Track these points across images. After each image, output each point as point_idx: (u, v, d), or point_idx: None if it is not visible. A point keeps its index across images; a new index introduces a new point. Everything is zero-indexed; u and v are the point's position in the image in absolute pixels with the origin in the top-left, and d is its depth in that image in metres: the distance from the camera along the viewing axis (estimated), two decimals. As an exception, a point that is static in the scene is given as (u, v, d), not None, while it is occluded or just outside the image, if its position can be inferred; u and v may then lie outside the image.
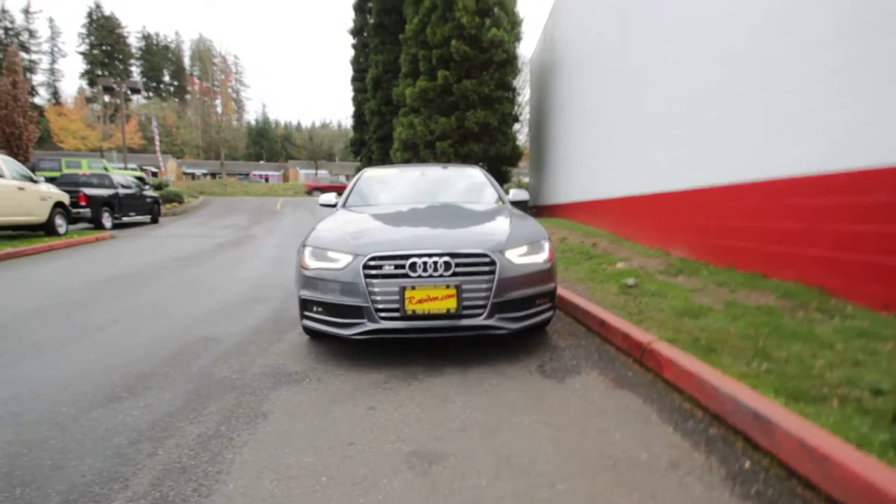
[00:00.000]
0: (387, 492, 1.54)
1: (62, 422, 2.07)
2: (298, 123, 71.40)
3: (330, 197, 4.26)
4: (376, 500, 1.50)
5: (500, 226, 3.06)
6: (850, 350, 2.56)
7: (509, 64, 13.76)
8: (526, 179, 20.25)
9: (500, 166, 14.61)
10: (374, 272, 2.62)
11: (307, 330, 3.10)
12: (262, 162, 59.91)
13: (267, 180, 47.14)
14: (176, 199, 17.84)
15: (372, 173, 4.55)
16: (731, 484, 1.56)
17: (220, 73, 45.26)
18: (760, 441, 1.75)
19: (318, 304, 2.76)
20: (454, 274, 2.61)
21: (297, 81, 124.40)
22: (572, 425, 1.98)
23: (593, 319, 3.38)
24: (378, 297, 2.59)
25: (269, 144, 64.85)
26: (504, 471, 1.64)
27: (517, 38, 13.96)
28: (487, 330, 2.66)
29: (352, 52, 21.04)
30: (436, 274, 2.59)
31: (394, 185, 4.38)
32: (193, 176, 44.05)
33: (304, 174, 48.73)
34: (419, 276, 2.59)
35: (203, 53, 46.62)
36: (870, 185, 3.16)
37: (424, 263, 2.60)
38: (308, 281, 2.82)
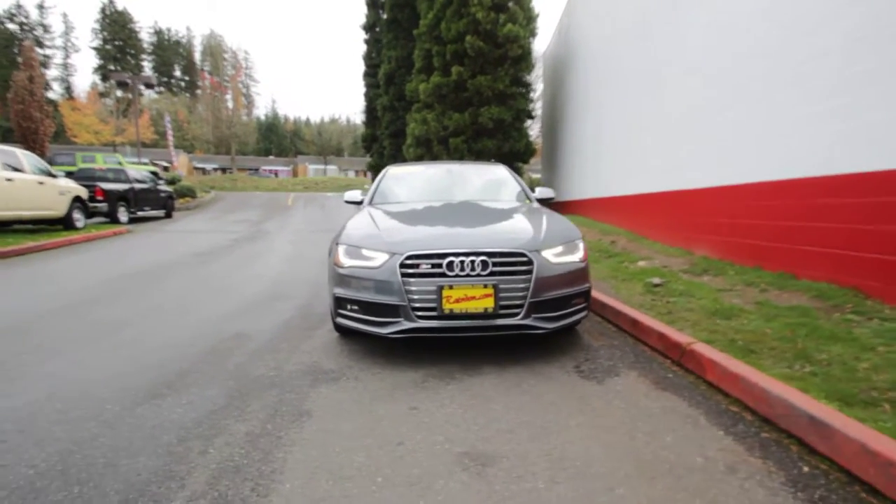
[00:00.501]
0: (445, 493, 1.53)
1: (109, 419, 2.08)
2: (307, 119, 71.67)
3: (356, 194, 4.26)
4: (436, 502, 1.49)
5: (535, 225, 3.03)
6: (892, 353, 2.52)
7: (524, 60, 13.65)
8: (536, 176, 20.13)
9: (513, 162, 14.53)
10: (410, 271, 2.61)
11: (340, 328, 3.10)
12: (271, 157, 60.18)
13: (276, 175, 47.35)
14: (189, 193, 17.96)
15: (396, 170, 4.53)
16: (792, 489, 1.53)
17: (231, 69, 45.39)
18: (817, 445, 1.72)
19: (354, 302, 2.75)
20: (491, 273, 2.59)
21: (306, 77, 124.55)
22: (620, 428, 1.96)
23: (624, 319, 3.35)
24: (415, 296, 2.58)
25: (279, 140, 65.09)
26: (559, 473, 1.63)
27: (532, 34, 13.82)
28: (524, 329, 2.64)
29: (364, 48, 20.98)
30: (473, 273, 2.58)
31: (419, 182, 4.35)
32: (204, 171, 44.32)
33: (313, 169, 48.88)
34: (456, 276, 2.57)
35: (214, 49, 46.80)
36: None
37: (462, 262, 2.58)
38: (342, 279, 2.81)
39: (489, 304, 2.57)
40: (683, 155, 6.36)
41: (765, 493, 1.51)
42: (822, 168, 3.90)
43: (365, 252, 2.78)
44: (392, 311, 2.63)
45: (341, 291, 2.80)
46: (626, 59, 8.43)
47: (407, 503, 1.49)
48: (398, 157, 17.75)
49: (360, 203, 4.17)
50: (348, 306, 2.79)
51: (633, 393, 2.32)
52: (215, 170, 46.84)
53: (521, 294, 2.61)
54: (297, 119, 70.58)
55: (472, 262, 2.58)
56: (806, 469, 1.64)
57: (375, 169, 20.87)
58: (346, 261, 2.83)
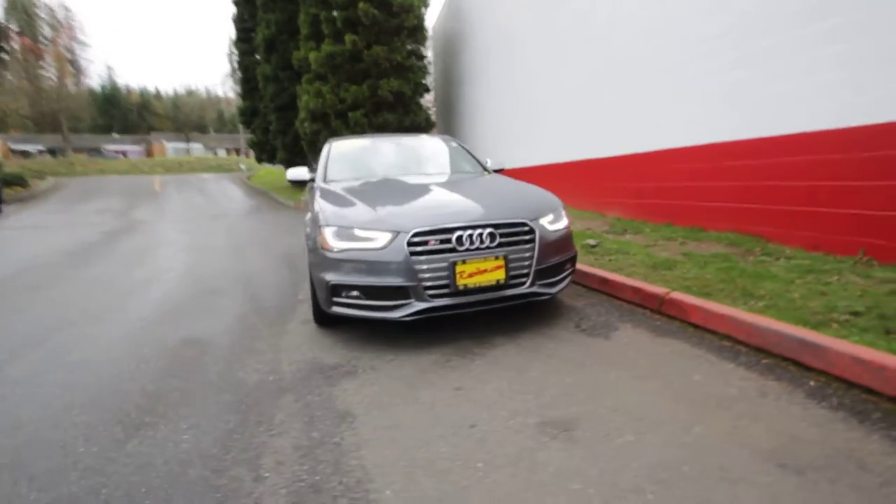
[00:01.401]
0: (554, 463, 1.52)
1: (99, 467, 1.64)
2: (157, 90, 61.83)
3: (301, 171, 3.85)
4: (549, 473, 1.48)
5: (521, 195, 3.07)
6: (810, 284, 3.09)
7: (419, 30, 13.42)
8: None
9: (414, 137, 14.38)
10: (419, 249, 2.46)
11: (323, 318, 2.85)
12: (114, 135, 50.94)
13: (125, 156, 40.48)
14: (17, 182, 14.50)
15: (344, 144, 4.19)
16: (814, 401, 1.83)
17: (49, 29, 36.77)
18: (812, 363, 2.08)
19: (353, 287, 2.52)
20: (500, 245, 2.57)
21: (150, 42, 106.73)
22: (652, 375, 2.13)
23: (593, 279, 3.60)
24: (426, 275, 2.45)
25: (122, 114, 55.26)
26: (638, 425, 1.72)
27: (425, 4, 13.61)
28: (531, 297, 2.69)
29: (234, 9, 18.51)
30: (483, 246, 2.53)
31: (374, 156, 4.08)
32: (25, 153, 35.91)
33: (172, 148, 42.70)
34: (467, 250, 2.50)
35: (24, 2, 37.39)
36: (803, 148, 3.78)
37: (470, 236, 2.51)
38: (335, 263, 2.55)
39: (500, 275, 2.55)
40: (590, 127, 6.90)
41: (799, 408, 1.79)
42: (724, 135, 4.56)
43: (360, 233, 2.54)
44: (401, 292, 2.47)
45: (336, 277, 2.54)
46: (529, 34, 8.76)
47: (524, 481, 1.45)
48: (288, 133, 16.39)
49: (306, 182, 3.79)
50: (345, 293, 2.55)
51: (639, 343, 2.52)
52: (41, 152, 38.31)
53: (527, 263, 2.64)
54: (143, 90, 60.44)
55: (481, 234, 2.53)
56: (812, 384, 1.97)
57: (260, 147, 18.98)
58: (337, 243, 2.56)
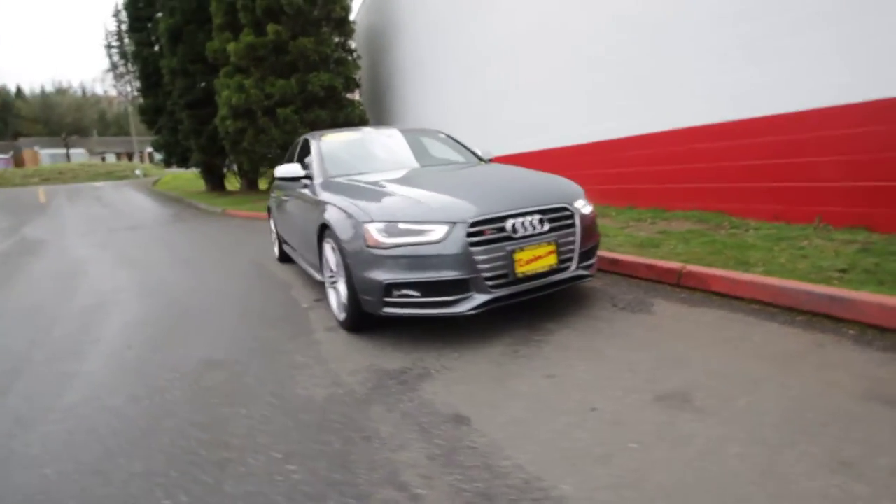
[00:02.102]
0: (699, 433, 1.57)
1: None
2: (19, 89, 52.86)
3: (293, 168, 3.54)
4: (703, 443, 1.52)
5: (551, 180, 3.10)
6: (788, 250, 3.49)
7: (346, 23, 12.95)
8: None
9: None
10: (477, 239, 2.39)
11: (356, 323, 2.68)
12: (-36, 143, 42.74)
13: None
14: None
15: (333, 138, 3.91)
16: (862, 345, 2.08)
17: None
18: (842, 314, 2.35)
19: (408, 285, 2.38)
20: (550, 230, 2.58)
21: (8, 34, 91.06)
22: (718, 343, 2.27)
23: (602, 261, 3.75)
24: (486, 266, 2.39)
25: (-27, 118, 46.57)
26: (742, 387, 1.83)
27: (352, -6, 13.16)
28: (577, 280, 2.75)
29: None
30: (535, 232, 2.52)
31: (370, 149, 3.87)
32: None
33: (47, 155, 36.93)
34: (522, 237, 2.48)
35: None
36: (760, 131, 4.25)
37: (523, 223, 2.49)
38: (387, 261, 2.39)
39: (553, 260, 2.57)
40: (547, 118, 7.17)
41: (857, 353, 2.02)
42: (683, 121, 4.98)
43: (411, 226, 2.40)
44: (461, 286, 2.38)
45: (390, 276, 2.38)
46: (473, 27, 8.83)
47: (687, 454, 1.48)
48: (203, 133, 14.98)
49: (300, 178, 3.50)
50: (400, 292, 2.40)
51: (682, 314, 2.68)
52: None
53: (571, 247, 2.68)
54: (2, 89, 51.36)
55: (532, 221, 2.52)
56: (851, 332, 2.23)
57: (168, 149, 17.09)
58: (386, 239, 2.40)
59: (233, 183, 18.41)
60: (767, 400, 1.72)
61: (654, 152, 5.41)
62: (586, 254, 2.80)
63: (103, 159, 37.15)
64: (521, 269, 2.46)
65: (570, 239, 2.67)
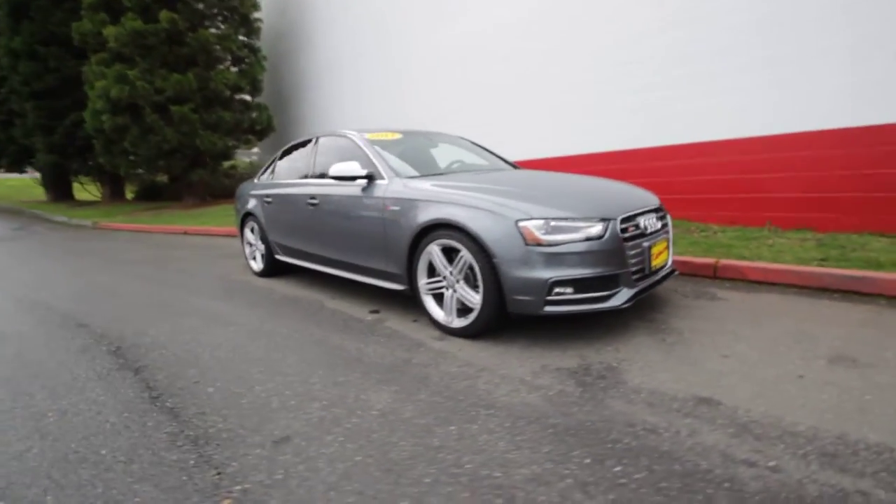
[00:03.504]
0: (887, 379, 1.92)
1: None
2: None
3: (352, 166, 3.21)
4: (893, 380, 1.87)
5: (624, 184, 3.34)
6: (762, 246, 4.31)
7: (251, 20, 11.91)
8: (249, 159, 18.02)
9: (251, 139, 12.66)
10: (626, 235, 2.51)
11: (475, 327, 2.61)
12: None
13: None
14: None
15: (378, 139, 3.60)
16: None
17: None
18: (866, 290, 3.03)
19: (566, 283, 2.38)
20: (663, 227, 2.82)
21: None
22: (812, 317, 2.72)
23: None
24: (632, 260, 2.52)
25: None
26: (874, 348, 2.27)
27: (259, -9, 12.16)
28: (672, 275, 3.02)
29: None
30: (657, 229, 2.74)
31: (425, 149, 3.72)
32: None
33: None
34: (651, 234, 2.67)
35: None
36: (715, 151, 5.16)
37: (649, 221, 2.69)
38: (550, 259, 2.36)
39: (666, 256, 2.82)
40: (500, 134, 7.56)
41: (909, 316, 2.65)
42: (645, 142, 5.77)
43: (565, 224, 2.41)
44: (612, 281, 2.46)
45: (554, 274, 2.34)
46: (419, 35, 8.87)
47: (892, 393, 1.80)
48: (56, 130, 12.15)
49: (362, 178, 3.21)
50: (559, 289, 2.38)
51: (753, 298, 3.13)
52: None
53: (668, 243, 2.96)
54: None
55: (653, 219, 2.74)
56: (883, 302, 2.90)
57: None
58: (547, 237, 2.37)
59: (86, 192, 15.16)
60: (904, 353, 2.18)
61: (623, 167, 6.12)
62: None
63: None
64: (653, 263, 2.65)
65: (668, 236, 2.95)
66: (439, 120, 8.18)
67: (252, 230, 4.72)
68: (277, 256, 4.38)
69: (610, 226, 2.45)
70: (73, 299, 4.09)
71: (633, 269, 2.52)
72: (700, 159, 5.32)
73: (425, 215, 2.76)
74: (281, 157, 4.56)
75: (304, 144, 4.26)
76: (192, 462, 1.65)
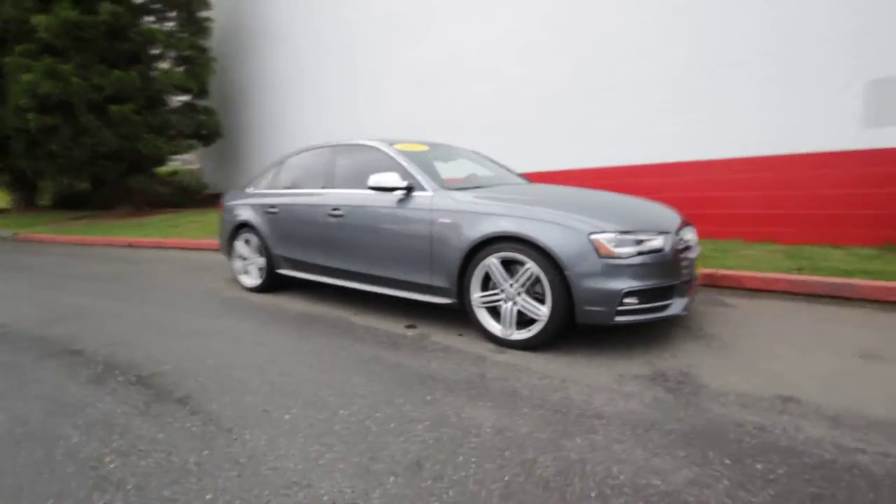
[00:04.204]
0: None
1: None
2: None
3: (391, 178, 3.14)
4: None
5: (644, 200, 3.56)
6: (742, 257, 4.80)
7: (199, 19, 11.21)
8: (189, 167, 16.80)
9: (197, 143, 11.81)
10: (679, 247, 2.69)
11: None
12: None
13: None
14: None
15: (409, 149, 3.55)
16: (888, 311, 3.16)
17: None
18: (850, 294, 3.47)
19: (632, 294, 2.50)
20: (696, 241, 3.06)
21: None
22: (822, 319, 3.07)
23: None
24: (684, 272, 2.70)
25: None
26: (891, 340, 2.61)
27: (209, -11, 11.48)
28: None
29: None
30: (693, 244, 2.96)
31: (455, 159, 3.73)
32: None
33: None
34: (694, 246, 2.89)
35: None
36: (699, 170, 5.66)
37: (690, 234, 2.91)
38: (622, 271, 2.47)
39: (698, 267, 3.03)
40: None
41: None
42: (624, 160, 6.19)
43: (632, 237, 2.53)
44: (669, 291, 2.62)
45: (627, 285, 2.45)
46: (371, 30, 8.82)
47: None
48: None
49: (401, 189, 3.15)
50: (629, 299, 2.49)
51: (761, 305, 3.45)
52: None
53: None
54: None
55: (691, 232, 2.96)
56: (868, 306, 3.33)
57: None
58: (619, 249, 2.48)
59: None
60: (916, 349, 2.53)
61: (605, 184, 6.50)
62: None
63: None
64: (695, 274, 2.86)
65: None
66: (414, 130, 8.18)
67: (247, 242, 4.40)
68: (280, 271, 4.12)
69: (668, 239, 2.61)
70: (46, 323, 3.56)
71: (685, 279, 2.70)
72: (667, 179, 5.81)
73: (484, 228, 2.76)
74: (284, 165, 4.32)
75: (313, 152, 4.08)
76: (326, 498, 1.52)
